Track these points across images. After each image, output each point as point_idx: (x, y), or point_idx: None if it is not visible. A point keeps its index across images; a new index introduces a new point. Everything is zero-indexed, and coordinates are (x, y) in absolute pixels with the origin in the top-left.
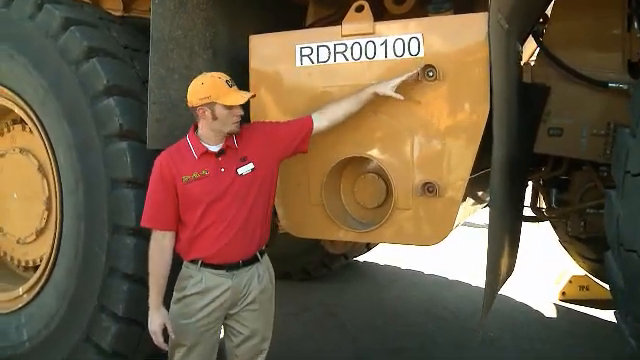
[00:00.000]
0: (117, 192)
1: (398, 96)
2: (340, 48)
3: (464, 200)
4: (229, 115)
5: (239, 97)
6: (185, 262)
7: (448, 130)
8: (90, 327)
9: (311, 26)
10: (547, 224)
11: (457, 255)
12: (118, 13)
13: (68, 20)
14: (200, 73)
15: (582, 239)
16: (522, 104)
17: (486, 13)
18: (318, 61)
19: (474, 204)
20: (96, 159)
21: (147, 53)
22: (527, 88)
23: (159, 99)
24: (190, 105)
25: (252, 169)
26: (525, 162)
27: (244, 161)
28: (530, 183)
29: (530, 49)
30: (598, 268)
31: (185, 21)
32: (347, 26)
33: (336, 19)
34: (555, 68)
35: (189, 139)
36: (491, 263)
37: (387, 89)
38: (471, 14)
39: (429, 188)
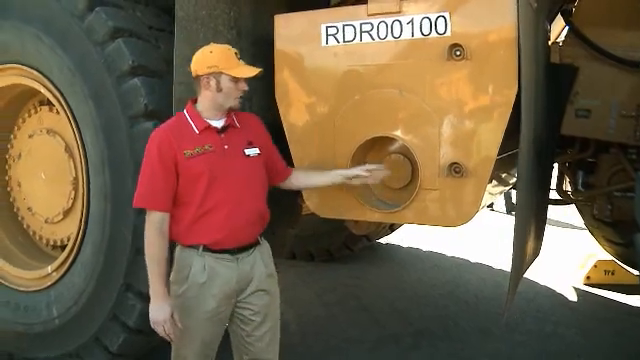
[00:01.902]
0: None
1: (364, 174)
2: (366, 27)
3: (490, 181)
4: (234, 89)
5: (247, 70)
6: (181, 248)
7: (475, 110)
8: (117, 305)
9: (336, 5)
10: (573, 207)
11: (478, 238)
12: None
13: (93, 1)
14: None
15: (608, 223)
16: (550, 85)
17: None
18: (344, 41)
19: (499, 186)
20: (122, 139)
21: (171, 33)
22: (555, 68)
23: (184, 79)
24: (195, 74)
25: (258, 154)
26: (552, 144)
27: (251, 145)
28: (556, 165)
29: (558, 28)
30: (624, 252)
31: (209, 1)
32: (373, 5)
33: None
34: (584, 48)
35: (187, 113)
36: (518, 246)
37: (354, 170)
38: None
39: (456, 169)
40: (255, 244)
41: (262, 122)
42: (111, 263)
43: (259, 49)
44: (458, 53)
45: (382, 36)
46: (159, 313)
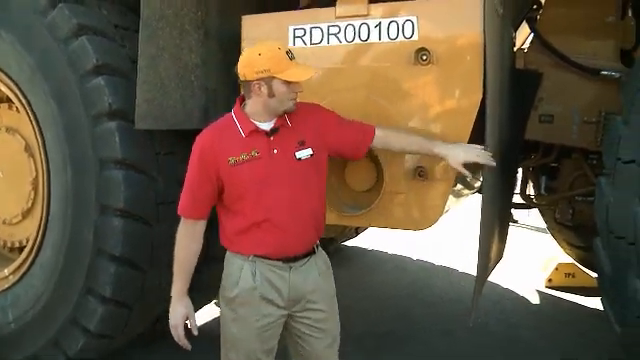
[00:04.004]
0: (106, 173)
1: (465, 172)
2: (333, 30)
3: (455, 185)
4: (288, 92)
5: (302, 72)
6: (231, 253)
7: (441, 114)
8: (76, 309)
9: (305, 7)
10: (536, 211)
11: (443, 241)
12: None
13: None
14: (191, 53)
15: (570, 226)
16: (515, 90)
17: None
18: (311, 43)
19: (465, 189)
20: (84, 139)
21: (137, 32)
22: (520, 74)
23: (148, 78)
24: (243, 78)
25: (311, 155)
26: (516, 148)
27: (303, 145)
28: (520, 170)
29: (524, 35)
30: (584, 255)
31: (176, 0)
32: (341, 8)
33: (331, 1)
34: (548, 55)
35: (235, 115)
36: (482, 249)
37: (457, 163)
38: None
39: (420, 172)
40: (310, 253)
41: (321, 108)
42: (71, 265)
43: (227, 50)
44: (425, 57)
45: (349, 39)
46: (172, 316)
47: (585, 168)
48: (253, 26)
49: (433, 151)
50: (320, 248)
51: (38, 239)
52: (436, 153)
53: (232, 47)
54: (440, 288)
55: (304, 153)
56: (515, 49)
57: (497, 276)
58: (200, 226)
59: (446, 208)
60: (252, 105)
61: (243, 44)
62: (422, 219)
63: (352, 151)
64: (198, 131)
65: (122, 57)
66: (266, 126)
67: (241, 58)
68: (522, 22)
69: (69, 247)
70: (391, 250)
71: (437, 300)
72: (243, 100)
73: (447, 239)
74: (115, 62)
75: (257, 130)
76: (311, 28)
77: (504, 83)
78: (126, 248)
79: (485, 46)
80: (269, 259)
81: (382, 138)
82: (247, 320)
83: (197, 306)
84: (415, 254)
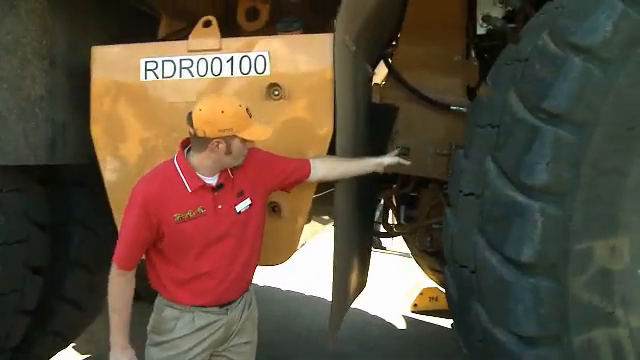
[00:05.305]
0: None
1: (404, 161)
2: (186, 63)
3: (309, 220)
4: (243, 149)
5: (262, 131)
6: (166, 301)
7: (293, 148)
8: None
9: (163, 39)
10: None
11: (314, 272)
12: None
13: None
14: (34, 83)
15: (430, 252)
16: (372, 124)
17: (331, 34)
18: (163, 76)
19: (325, 222)
20: None
21: None
22: (376, 108)
23: None
24: (202, 135)
25: (250, 205)
26: (375, 180)
27: (241, 196)
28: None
29: (384, 71)
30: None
31: (16, 26)
32: (194, 41)
33: (188, 33)
34: (402, 90)
35: (179, 167)
36: (338, 279)
37: (390, 158)
38: (316, 34)
39: (274, 208)
40: (244, 293)
41: (254, 150)
42: None
43: (75, 81)
44: (276, 93)
45: (202, 73)
46: None
47: (441, 197)
48: (103, 57)
49: (378, 164)
50: (250, 284)
51: None
52: (377, 165)
53: (82, 78)
54: (308, 319)
55: (243, 205)
56: (372, 84)
57: (364, 303)
58: (134, 270)
59: (302, 242)
60: (202, 159)
61: (93, 76)
62: (276, 254)
63: (290, 184)
64: (44, 165)
65: None
66: (212, 181)
67: (200, 114)
68: (380, 58)
69: None
70: (261, 282)
71: (305, 331)
72: (184, 146)
73: (316, 268)
74: None
75: (204, 186)
76: (163, 61)
77: (358, 117)
78: None
79: (335, 81)
80: (205, 307)
81: (320, 167)
82: (177, 357)
83: (54, 351)
84: (286, 285)
